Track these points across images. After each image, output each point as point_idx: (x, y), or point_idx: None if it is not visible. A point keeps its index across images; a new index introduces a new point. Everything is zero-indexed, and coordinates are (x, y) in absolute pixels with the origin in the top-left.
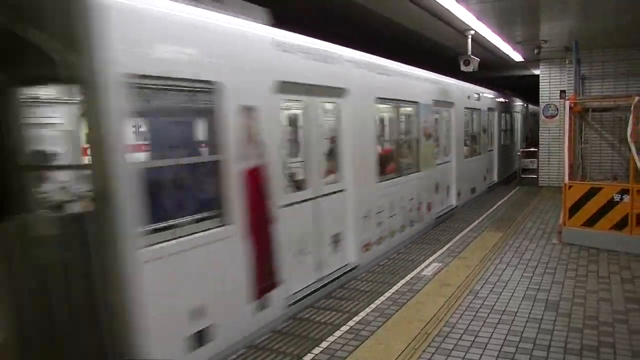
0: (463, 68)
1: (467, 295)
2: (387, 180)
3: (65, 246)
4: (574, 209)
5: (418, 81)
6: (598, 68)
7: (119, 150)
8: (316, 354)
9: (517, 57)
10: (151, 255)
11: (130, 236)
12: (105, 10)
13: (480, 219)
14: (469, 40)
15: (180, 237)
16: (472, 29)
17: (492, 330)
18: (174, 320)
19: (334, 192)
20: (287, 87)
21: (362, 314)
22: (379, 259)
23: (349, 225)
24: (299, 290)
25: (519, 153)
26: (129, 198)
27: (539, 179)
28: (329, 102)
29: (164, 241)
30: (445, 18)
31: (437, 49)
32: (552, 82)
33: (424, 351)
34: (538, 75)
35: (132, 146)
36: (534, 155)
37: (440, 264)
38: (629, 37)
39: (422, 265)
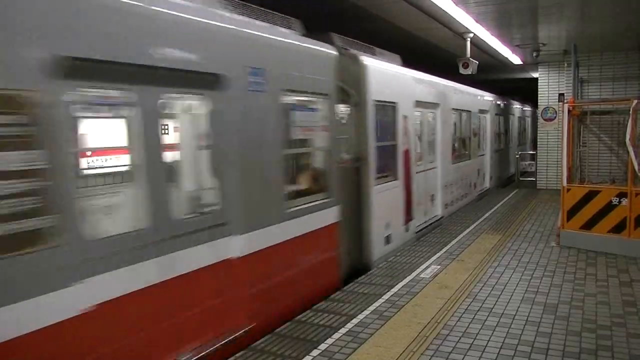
0: (462, 71)
1: (466, 297)
2: (455, 163)
3: (353, 178)
4: (572, 212)
5: (470, 96)
6: (596, 71)
7: (371, 136)
8: (314, 356)
9: (516, 60)
10: (376, 190)
11: (372, 178)
12: (368, 69)
13: (479, 221)
14: (468, 43)
15: (382, 183)
16: (471, 32)
17: (490, 333)
18: (381, 225)
19: (432, 168)
20: (418, 104)
21: (361, 317)
22: (451, 215)
23: (438, 190)
24: (419, 225)
25: (517, 156)
26: (372, 160)
27: (537, 181)
28: (431, 112)
29: (379, 184)
30: (444, 21)
31: (435, 51)
32: (550, 85)
33: (422, 354)
34: (537, 78)
35: (374, 134)
36: (532, 157)
37: (439, 267)
38: (627, 41)
39: (421, 268)
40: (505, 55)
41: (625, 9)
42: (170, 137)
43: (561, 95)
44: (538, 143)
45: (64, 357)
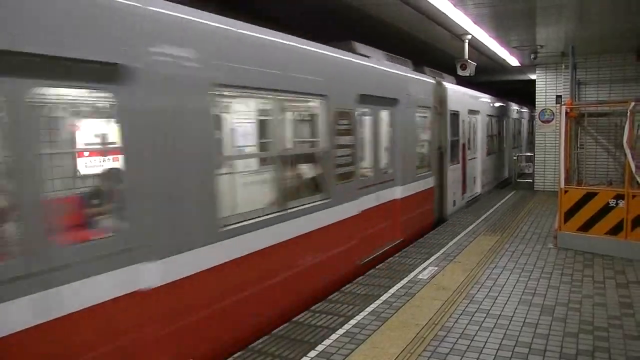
0: (460, 72)
1: (463, 299)
2: (487, 155)
3: (438, 160)
4: (570, 214)
5: (497, 104)
6: (594, 73)
7: (448, 134)
8: (312, 357)
9: (514, 61)
10: (449, 169)
11: (447, 161)
12: (447, 90)
13: (476, 223)
14: (466, 45)
15: (452, 165)
16: (469, 34)
17: (488, 334)
18: (451, 193)
19: (474, 158)
20: (469, 112)
21: (358, 318)
22: (485, 193)
23: (478, 174)
24: (469, 197)
25: (514, 157)
26: (448, 149)
27: (535, 183)
28: (475, 118)
29: (450, 165)
30: (442, 22)
31: (433, 53)
32: (548, 87)
33: (419, 355)
34: (534, 80)
35: (449, 133)
36: (529, 159)
37: (436, 268)
38: (624, 43)
39: (418, 269)
40: (503, 57)
41: (624, 12)
42: (382, 132)
43: (559, 97)
44: (535, 145)
45: (355, 232)
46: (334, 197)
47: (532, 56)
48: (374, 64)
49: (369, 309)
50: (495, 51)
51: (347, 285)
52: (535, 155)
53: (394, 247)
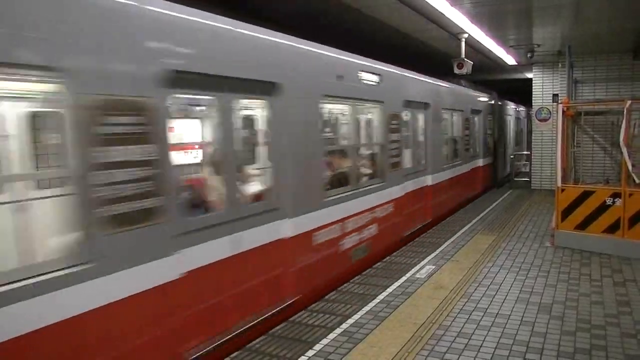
0: (456, 71)
1: (461, 298)
2: (514, 146)
3: (494, 145)
4: (567, 212)
5: (520, 109)
6: (590, 72)
7: (496, 130)
8: (310, 357)
9: (511, 60)
10: (499, 152)
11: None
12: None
13: (473, 221)
14: (463, 44)
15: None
16: (466, 32)
17: (485, 333)
18: (498, 168)
19: (506, 147)
20: (507, 115)
21: (356, 317)
22: (513, 172)
23: (509, 159)
24: (505, 173)
25: (511, 157)
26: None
27: (532, 182)
28: (510, 119)
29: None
30: (439, 21)
31: (430, 52)
32: (545, 85)
33: (417, 354)
34: (531, 79)
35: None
36: (527, 158)
37: (434, 267)
38: (621, 43)
39: (416, 268)
40: (500, 56)
41: (620, 13)
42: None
43: (555, 95)
44: (532, 143)
45: (462, 182)
46: (461, 160)
47: (529, 55)
48: (471, 91)
49: (366, 308)
50: (492, 50)
51: (345, 285)
52: (532, 154)
53: (474, 196)
